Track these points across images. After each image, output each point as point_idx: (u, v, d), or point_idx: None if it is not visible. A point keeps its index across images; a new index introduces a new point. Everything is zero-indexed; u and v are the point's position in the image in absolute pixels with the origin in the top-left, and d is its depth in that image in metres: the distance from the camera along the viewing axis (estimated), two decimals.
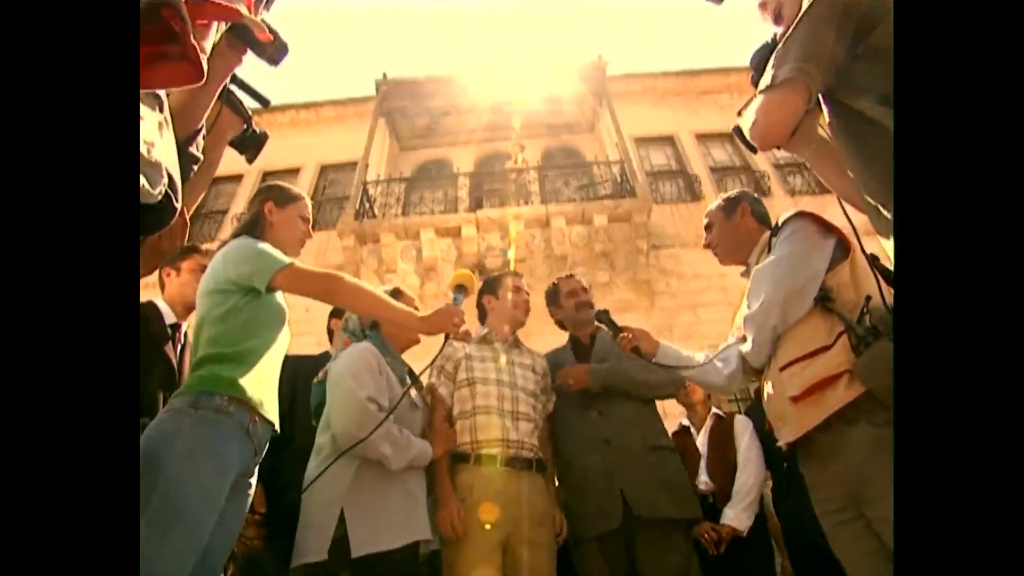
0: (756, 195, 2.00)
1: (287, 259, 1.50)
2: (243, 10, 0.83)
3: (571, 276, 2.70)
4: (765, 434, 2.60)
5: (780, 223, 1.74)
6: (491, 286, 2.45)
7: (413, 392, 2.00)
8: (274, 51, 1.13)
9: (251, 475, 1.48)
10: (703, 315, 7.13)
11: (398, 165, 9.38)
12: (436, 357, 1.89)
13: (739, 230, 1.90)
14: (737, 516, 2.60)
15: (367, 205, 7.72)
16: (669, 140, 8.88)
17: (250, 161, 1.54)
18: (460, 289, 1.72)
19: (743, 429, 2.87)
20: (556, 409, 2.31)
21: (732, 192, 2.02)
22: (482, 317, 2.43)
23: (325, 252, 7.98)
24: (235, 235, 1.67)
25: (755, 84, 1.41)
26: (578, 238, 7.33)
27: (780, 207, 7.93)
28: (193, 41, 0.59)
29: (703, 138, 8.85)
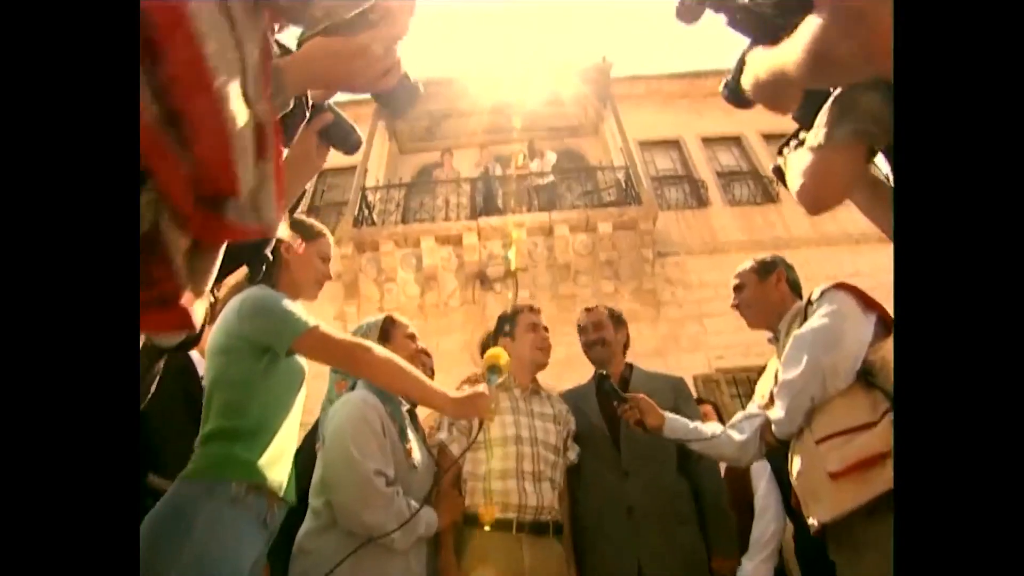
0: (789, 264, 1.95)
1: (311, 321, 1.35)
2: (283, 230, 0.70)
3: (592, 309, 2.51)
4: (783, 477, 2.45)
5: (818, 294, 1.67)
6: (506, 326, 2.26)
7: (417, 454, 1.85)
8: (349, 147, 1.14)
9: (263, 562, 1.35)
10: (710, 325, 6.96)
11: (398, 168, 9.20)
12: (470, 443, 1.75)
13: (772, 295, 1.85)
14: (756, 569, 2.44)
15: (366, 212, 7.54)
16: (674, 144, 8.68)
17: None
18: (494, 370, 1.58)
19: (760, 473, 2.71)
20: (579, 460, 2.14)
21: (766, 256, 1.97)
22: None
23: None
24: (248, 279, 1.52)
25: (796, 120, 1.28)
26: (582, 246, 7.16)
27: (789, 214, 7.78)
28: (184, 304, 0.54)
29: (709, 142, 8.65)
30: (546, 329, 2.29)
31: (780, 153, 1.30)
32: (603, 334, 2.39)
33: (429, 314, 7.18)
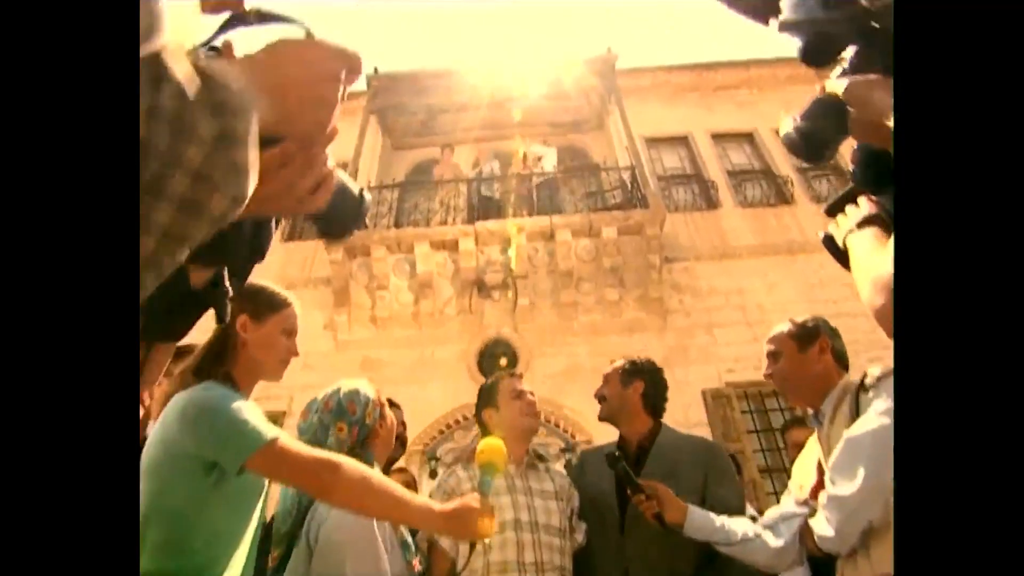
0: (834, 328, 1.68)
1: (268, 432, 1.09)
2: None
3: (613, 361, 2.19)
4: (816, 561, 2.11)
5: (874, 378, 1.40)
6: (488, 397, 2.00)
7: (420, 566, 1.57)
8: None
9: None
10: (720, 336, 6.59)
11: (391, 165, 8.78)
12: (466, 564, 1.42)
13: (813, 368, 1.58)
14: None
15: None
16: (683, 141, 8.23)
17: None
18: (488, 470, 1.29)
19: None
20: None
21: (806, 319, 1.67)
22: (486, 435, 1.98)
23: (312, 264, 7.44)
24: (196, 368, 1.25)
25: (857, 181, 0.94)
26: (585, 252, 6.77)
27: (804, 216, 7.38)
28: None
29: (720, 138, 8.19)
30: (532, 393, 2.04)
31: (831, 215, 1.01)
32: (603, 390, 2.10)
33: (424, 323, 6.82)
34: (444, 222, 7.01)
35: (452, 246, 6.78)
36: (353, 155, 7.72)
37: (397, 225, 7.15)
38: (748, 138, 8.18)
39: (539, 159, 7.61)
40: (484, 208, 7.04)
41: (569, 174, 7.29)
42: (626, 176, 7.15)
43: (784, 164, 7.70)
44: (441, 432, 6.20)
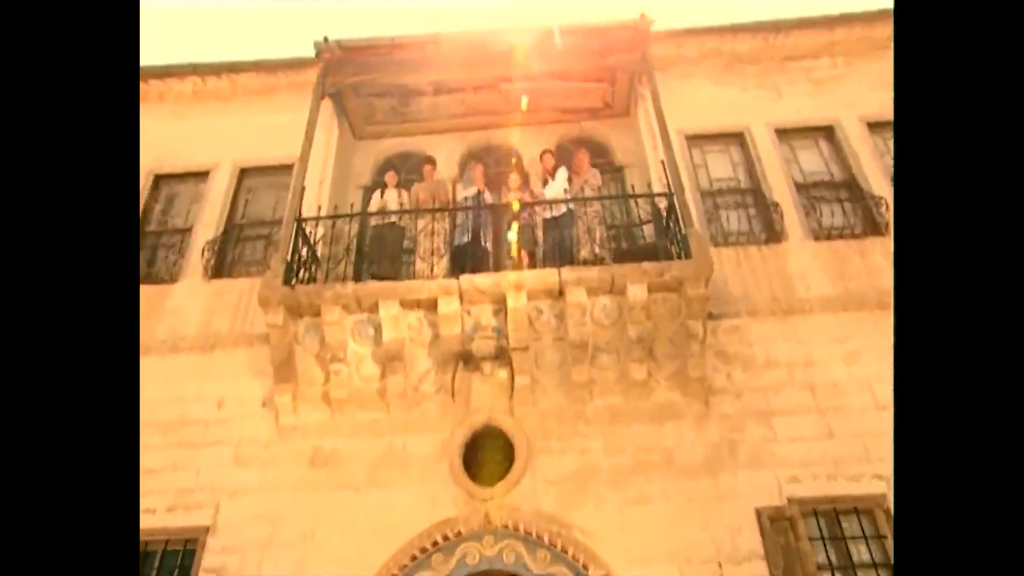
0: None
1: None
2: None
3: None
4: None
5: None
6: None
7: None
8: None
9: None
10: (781, 428, 4.98)
11: (351, 161, 6.85)
12: None
13: None
14: None
15: (303, 254, 5.41)
16: (737, 138, 6.15)
17: None
18: None
19: None
20: None
21: None
22: None
23: (247, 313, 5.75)
24: None
25: None
26: (604, 315, 5.07)
27: None
28: None
29: (787, 135, 6.09)
30: None
31: None
32: None
33: (393, 405, 5.27)
34: (417, 275, 5.24)
35: (430, 305, 5.09)
36: (300, 155, 5.85)
37: (356, 276, 5.41)
38: (826, 133, 6.09)
39: (551, 172, 5.74)
40: (473, 253, 5.27)
41: (585, 200, 5.38)
42: (661, 205, 5.26)
43: (876, 175, 5.70)
44: (414, 557, 4.80)
